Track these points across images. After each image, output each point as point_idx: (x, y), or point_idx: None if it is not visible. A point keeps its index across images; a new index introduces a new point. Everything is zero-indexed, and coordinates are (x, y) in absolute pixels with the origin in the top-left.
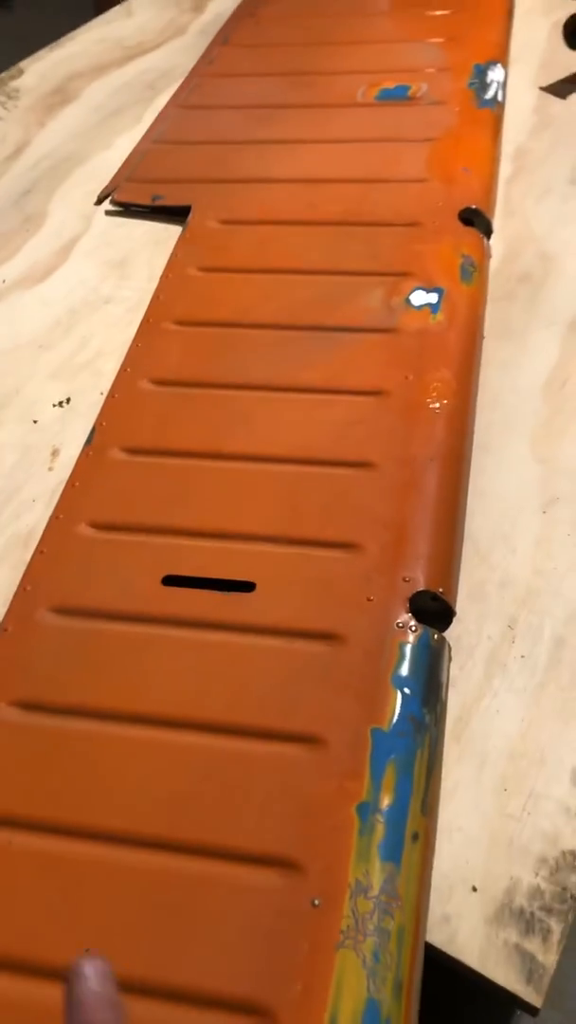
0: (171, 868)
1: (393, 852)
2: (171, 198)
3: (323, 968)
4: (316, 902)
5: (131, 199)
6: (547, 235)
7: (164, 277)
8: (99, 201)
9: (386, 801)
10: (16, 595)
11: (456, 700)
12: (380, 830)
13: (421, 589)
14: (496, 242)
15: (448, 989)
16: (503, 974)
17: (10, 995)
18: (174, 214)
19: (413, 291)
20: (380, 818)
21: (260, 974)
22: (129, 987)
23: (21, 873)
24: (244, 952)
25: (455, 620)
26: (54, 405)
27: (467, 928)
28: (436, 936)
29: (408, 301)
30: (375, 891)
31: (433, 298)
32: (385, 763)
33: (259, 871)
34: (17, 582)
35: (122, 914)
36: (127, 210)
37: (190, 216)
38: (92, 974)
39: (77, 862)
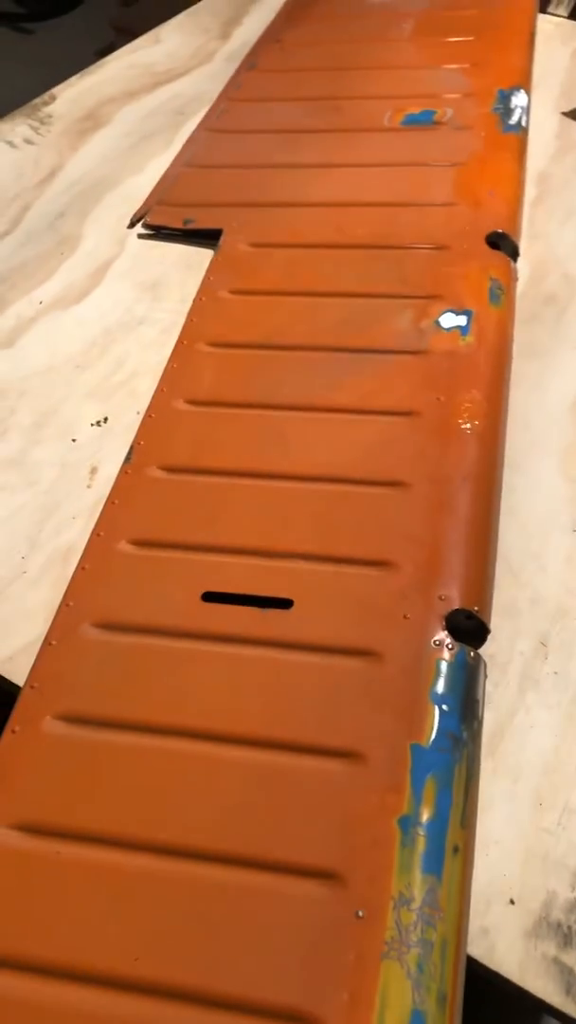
0: (215, 879)
1: (435, 864)
2: (202, 221)
3: (368, 978)
4: (360, 913)
5: (163, 222)
6: (571, 257)
7: (197, 299)
8: (132, 224)
9: (427, 815)
10: (60, 610)
11: (490, 716)
12: (421, 843)
13: (457, 607)
14: (521, 264)
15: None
16: (542, 987)
17: (61, 1002)
18: (205, 237)
19: (443, 313)
20: (421, 831)
21: (307, 984)
22: (178, 995)
23: (70, 883)
24: (290, 962)
25: (489, 638)
26: (92, 424)
27: (505, 941)
28: (475, 949)
29: (438, 323)
30: (417, 903)
31: (462, 320)
32: (425, 778)
33: (303, 883)
34: (58, 597)
35: (169, 924)
36: (159, 233)
37: (221, 239)
38: None
39: (123, 873)
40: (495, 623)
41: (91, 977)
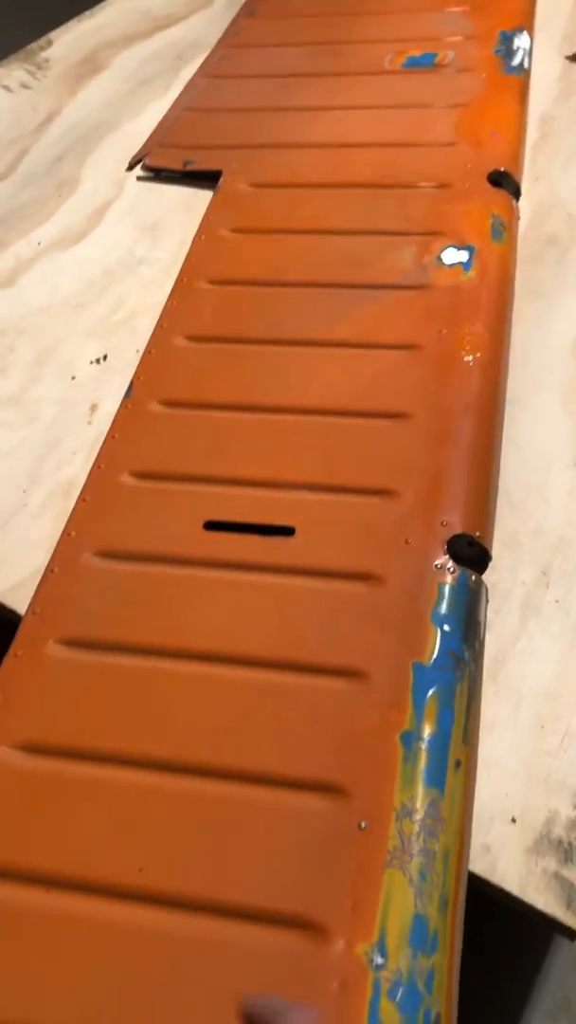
0: (219, 793)
1: (437, 778)
2: (202, 162)
3: (372, 885)
4: (363, 824)
5: (162, 164)
6: (573, 199)
7: (196, 238)
8: (131, 167)
9: (429, 730)
10: (61, 540)
11: (492, 643)
12: (424, 757)
13: (458, 532)
14: (523, 206)
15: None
16: (543, 900)
17: (67, 912)
18: (205, 179)
19: (444, 249)
20: (423, 746)
21: (311, 891)
22: (183, 904)
23: (73, 799)
24: (294, 871)
25: (490, 567)
26: (91, 362)
27: (507, 857)
28: (477, 865)
29: (440, 259)
30: (420, 814)
31: (464, 256)
32: (427, 695)
33: (306, 796)
34: (59, 530)
35: (174, 837)
36: (158, 175)
37: (221, 180)
38: None
39: (127, 788)
40: (497, 554)
41: (96, 887)
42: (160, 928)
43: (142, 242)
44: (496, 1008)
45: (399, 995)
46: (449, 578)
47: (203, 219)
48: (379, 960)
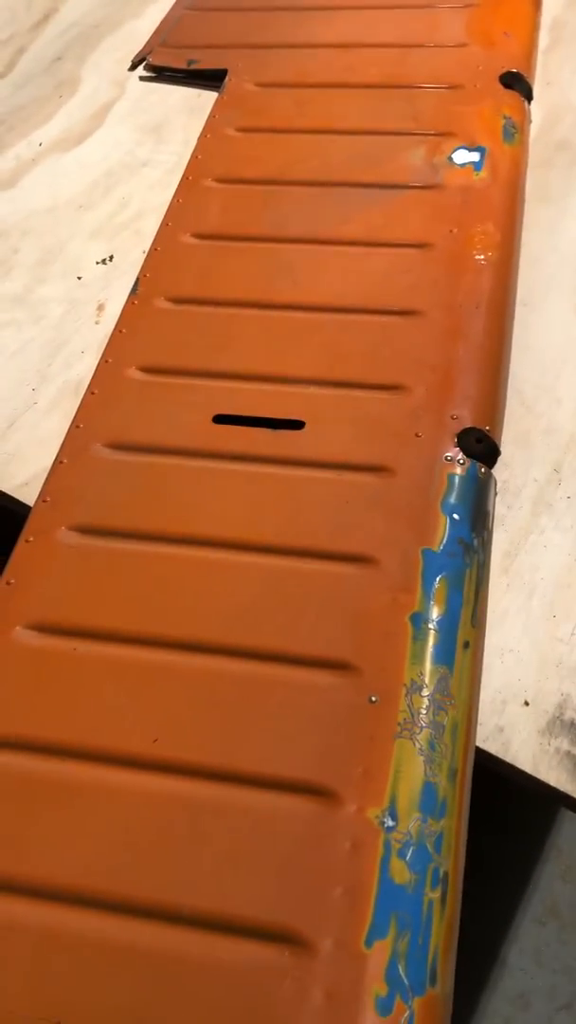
0: (232, 670)
1: (446, 656)
2: (207, 62)
3: (382, 754)
4: (373, 699)
5: (166, 63)
6: None
7: (202, 137)
8: (133, 67)
9: (438, 612)
10: (70, 432)
11: (504, 537)
12: (433, 637)
13: (468, 426)
14: (534, 110)
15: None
16: (556, 777)
17: (84, 780)
18: (209, 79)
19: (456, 150)
20: (432, 627)
21: (322, 760)
22: (197, 772)
23: (87, 675)
24: (306, 741)
25: (502, 465)
26: (97, 262)
27: (520, 738)
28: (491, 745)
29: (451, 159)
30: (429, 690)
31: (476, 156)
32: (436, 579)
33: (317, 672)
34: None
35: (188, 709)
36: (161, 75)
37: (227, 79)
38: None
39: (140, 665)
40: (509, 452)
41: (111, 757)
42: (176, 794)
43: (145, 143)
44: (486, 914)
45: (409, 854)
46: (459, 469)
47: (208, 118)
48: (390, 823)
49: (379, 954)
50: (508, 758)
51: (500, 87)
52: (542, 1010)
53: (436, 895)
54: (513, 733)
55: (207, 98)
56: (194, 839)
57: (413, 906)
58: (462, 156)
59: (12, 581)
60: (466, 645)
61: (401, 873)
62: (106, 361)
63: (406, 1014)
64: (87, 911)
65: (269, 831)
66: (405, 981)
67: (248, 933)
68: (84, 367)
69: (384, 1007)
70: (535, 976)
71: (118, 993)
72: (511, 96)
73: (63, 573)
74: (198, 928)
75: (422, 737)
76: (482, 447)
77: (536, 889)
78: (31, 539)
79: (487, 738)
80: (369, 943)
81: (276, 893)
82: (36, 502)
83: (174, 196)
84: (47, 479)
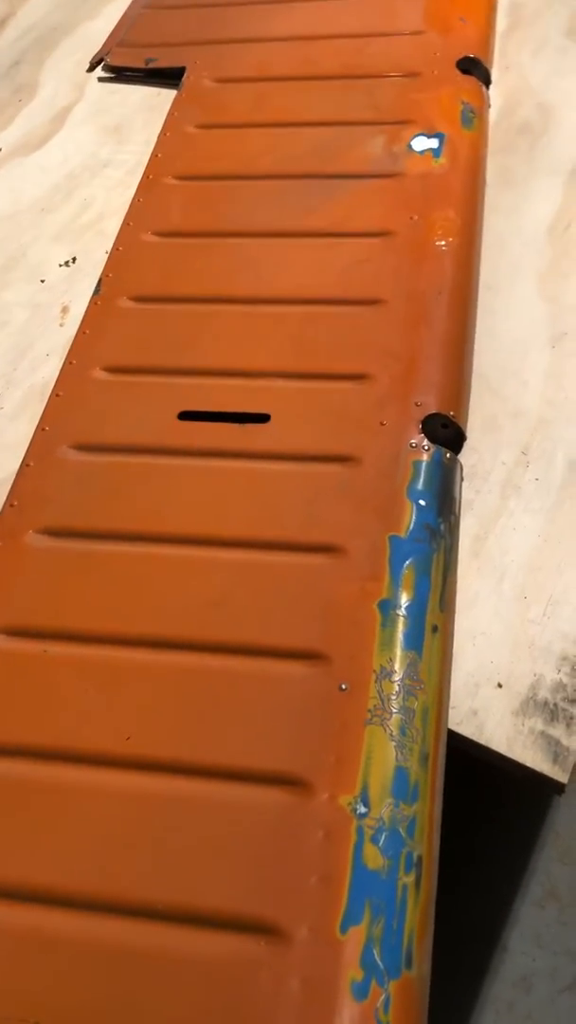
0: (202, 665)
1: (415, 642)
2: (165, 60)
3: (353, 742)
4: (343, 686)
5: (124, 63)
6: (545, 87)
7: (162, 135)
8: (91, 68)
9: (406, 598)
10: (36, 435)
11: (473, 521)
12: (401, 623)
13: (433, 412)
14: (494, 95)
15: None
16: (531, 757)
17: (58, 781)
18: (168, 77)
19: (415, 137)
20: (401, 613)
21: (294, 750)
22: (172, 768)
23: (59, 676)
24: (278, 733)
25: (470, 450)
26: (60, 265)
27: (494, 719)
28: (466, 728)
29: (410, 147)
30: (399, 675)
31: (435, 143)
32: (403, 565)
33: (288, 664)
34: None
35: (160, 706)
36: (120, 76)
37: (185, 77)
38: None
39: (111, 664)
40: (476, 438)
41: (85, 757)
42: (149, 791)
43: (106, 144)
44: (486, 899)
45: (382, 840)
46: (424, 456)
47: (168, 116)
48: (362, 809)
49: (354, 940)
50: (483, 740)
51: (458, 73)
52: (545, 992)
53: (410, 879)
54: (487, 715)
55: (167, 96)
56: (168, 834)
57: (387, 891)
58: (421, 143)
59: None
60: (435, 629)
61: (375, 859)
62: (70, 363)
63: (382, 997)
64: (63, 910)
65: (242, 823)
66: (380, 965)
67: (224, 925)
68: (49, 370)
69: (360, 991)
70: (537, 959)
71: (96, 990)
72: (469, 81)
73: (32, 576)
74: (174, 923)
75: (392, 723)
76: (448, 432)
77: (535, 872)
78: None
79: (461, 721)
80: (344, 929)
81: (251, 884)
82: (3, 507)
83: (135, 195)
84: (14, 483)
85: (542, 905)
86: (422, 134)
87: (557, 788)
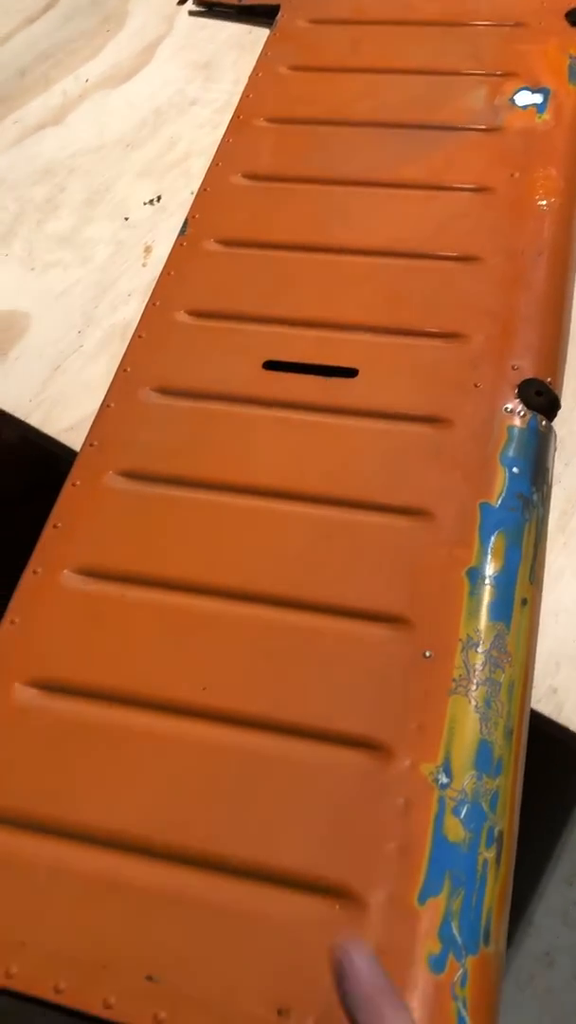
0: (282, 621)
1: (503, 613)
2: None
3: (436, 710)
4: (428, 654)
5: None
6: None
7: (254, 75)
8: (181, 1)
9: (495, 567)
10: (117, 375)
11: (561, 495)
12: (490, 592)
13: (529, 377)
14: None
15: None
16: None
17: (131, 727)
18: (261, 15)
19: (518, 91)
20: (489, 583)
21: (375, 713)
22: (247, 722)
23: (136, 622)
24: (358, 695)
25: (560, 420)
26: (145, 203)
27: (574, 699)
28: (544, 706)
29: (512, 101)
30: (485, 646)
31: (539, 98)
32: (494, 534)
33: (370, 626)
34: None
35: (237, 658)
36: (211, 11)
37: (279, 15)
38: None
39: (189, 613)
40: (568, 407)
41: (161, 704)
42: (226, 744)
43: (194, 81)
44: (517, 872)
45: (464, 812)
46: (518, 421)
47: (260, 56)
48: (444, 780)
49: (432, 911)
50: (561, 720)
51: (566, 25)
52: (567, 968)
53: (491, 854)
54: (567, 695)
55: (258, 35)
56: (243, 789)
57: (467, 864)
58: (524, 98)
59: (59, 525)
60: (524, 602)
61: (455, 831)
62: (154, 304)
63: (459, 972)
64: (135, 857)
65: (319, 783)
66: (459, 940)
67: (297, 886)
68: (131, 310)
69: (437, 964)
70: (560, 935)
71: (163, 940)
72: None
73: (111, 518)
74: (247, 879)
75: (478, 694)
76: (542, 400)
77: (564, 849)
78: (78, 483)
79: (540, 699)
80: (422, 900)
81: (326, 846)
82: (83, 446)
83: (224, 135)
84: (94, 423)
85: (570, 883)
86: (526, 88)
87: None
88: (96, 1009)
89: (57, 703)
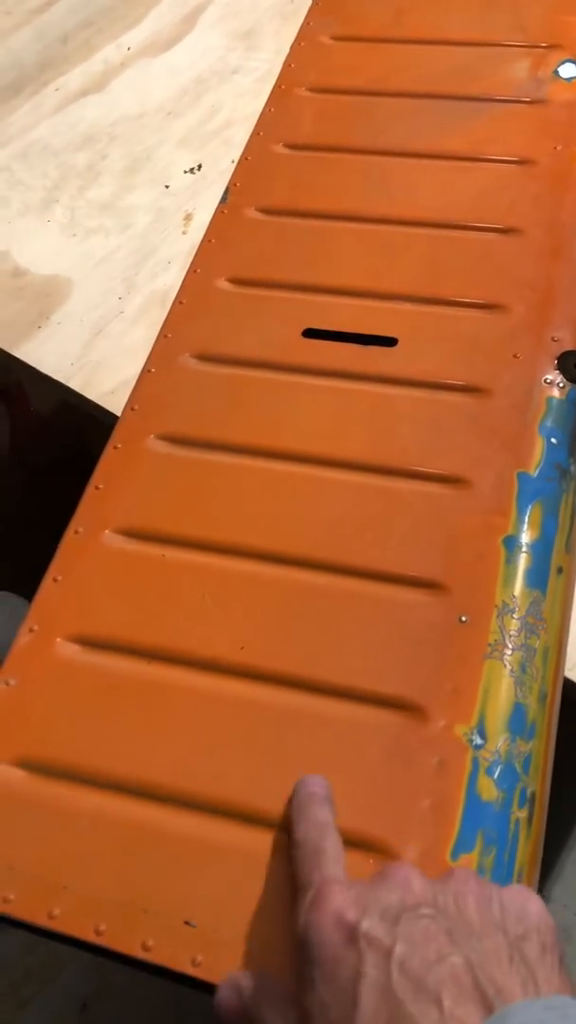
0: (320, 584)
1: (539, 581)
2: None
3: (471, 673)
4: (463, 619)
5: None
6: None
7: (296, 45)
8: None
9: (532, 536)
10: (158, 341)
11: None
12: (526, 560)
13: (569, 349)
14: None
15: None
16: None
17: (165, 680)
18: None
19: (562, 63)
20: (526, 550)
21: (410, 675)
22: (284, 681)
23: (175, 580)
24: (394, 657)
25: None
26: (185, 171)
27: None
28: None
29: (557, 73)
30: (521, 613)
31: None
32: (531, 503)
33: (406, 590)
34: (155, 337)
35: (274, 619)
36: None
37: None
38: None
39: (227, 574)
40: None
41: (199, 661)
42: (262, 702)
43: (236, 50)
44: None
45: (497, 772)
46: (557, 392)
47: (302, 25)
48: (478, 741)
49: (464, 867)
50: None
51: None
52: None
53: (523, 815)
54: None
55: (300, 4)
56: (279, 745)
57: (500, 823)
58: (569, 70)
59: (100, 486)
60: (560, 570)
61: (488, 790)
62: (195, 271)
63: None
64: (173, 808)
65: (355, 742)
66: None
67: None
68: (171, 277)
69: None
70: None
71: (202, 887)
72: None
73: (151, 480)
74: (283, 832)
75: (513, 659)
76: None
77: None
78: (119, 446)
79: (573, 667)
80: (455, 856)
81: (361, 803)
82: (124, 410)
83: (266, 105)
84: (135, 387)
85: None
86: (570, 60)
87: None
88: (135, 951)
89: (98, 658)
